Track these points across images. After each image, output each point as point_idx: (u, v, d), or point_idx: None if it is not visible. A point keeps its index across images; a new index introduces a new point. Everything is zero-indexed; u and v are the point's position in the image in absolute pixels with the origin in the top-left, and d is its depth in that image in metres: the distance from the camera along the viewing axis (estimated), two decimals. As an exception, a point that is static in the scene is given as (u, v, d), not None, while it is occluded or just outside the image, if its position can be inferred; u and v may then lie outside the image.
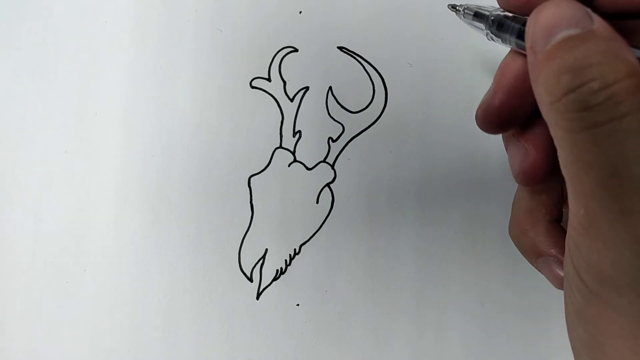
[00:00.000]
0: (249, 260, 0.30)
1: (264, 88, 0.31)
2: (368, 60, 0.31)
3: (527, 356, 0.29)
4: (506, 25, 0.21)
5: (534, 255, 0.22)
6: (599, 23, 0.17)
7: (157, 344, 0.30)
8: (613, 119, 0.15)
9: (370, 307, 0.30)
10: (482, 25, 0.23)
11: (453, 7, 0.25)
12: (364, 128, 0.31)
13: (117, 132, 0.32)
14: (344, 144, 0.31)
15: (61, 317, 0.31)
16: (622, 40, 0.17)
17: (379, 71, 0.31)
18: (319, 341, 0.30)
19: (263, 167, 0.31)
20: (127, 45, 0.32)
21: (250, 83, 0.31)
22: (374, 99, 0.31)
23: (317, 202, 0.30)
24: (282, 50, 0.31)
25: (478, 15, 0.23)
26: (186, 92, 0.31)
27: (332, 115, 0.31)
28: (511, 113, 0.21)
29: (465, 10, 0.24)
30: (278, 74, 0.31)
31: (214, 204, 0.31)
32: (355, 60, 0.31)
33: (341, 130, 0.31)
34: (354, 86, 0.31)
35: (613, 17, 0.19)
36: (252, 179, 0.31)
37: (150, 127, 0.31)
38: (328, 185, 0.30)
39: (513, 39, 0.21)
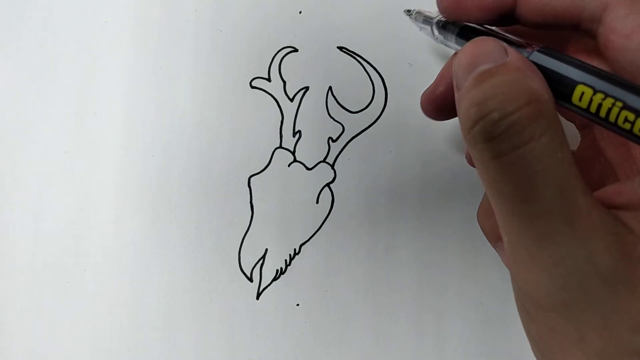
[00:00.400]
0: (249, 260, 0.30)
1: (264, 88, 0.31)
2: (368, 60, 0.31)
3: (527, 356, 0.29)
4: (448, 27, 0.23)
5: (494, 238, 0.23)
6: (512, 56, 0.17)
7: (157, 344, 0.30)
8: (517, 146, 0.16)
9: (370, 307, 0.30)
10: (429, 27, 0.25)
11: (407, 11, 0.28)
12: (364, 128, 0.31)
13: (117, 132, 0.32)
14: (344, 144, 0.31)
15: (61, 317, 0.31)
16: (533, 70, 0.17)
17: (379, 71, 0.31)
18: (319, 341, 0.30)
19: (263, 167, 0.31)
20: (127, 45, 0.32)
21: (250, 83, 0.31)
22: (374, 99, 0.31)
23: (317, 202, 0.30)
24: (282, 50, 0.31)
25: (426, 19, 0.25)
26: (186, 92, 0.31)
27: (332, 115, 0.31)
28: (448, 104, 0.23)
29: (416, 15, 0.26)
30: (278, 74, 0.31)
31: (214, 204, 0.31)
32: (355, 60, 0.31)
33: (341, 130, 0.31)
34: (354, 86, 0.31)
35: (539, 28, 0.20)
36: (252, 179, 0.31)
37: (150, 127, 0.31)
38: (328, 185, 0.30)
39: (453, 38, 0.22)
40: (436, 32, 0.24)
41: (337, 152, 0.31)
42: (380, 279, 0.30)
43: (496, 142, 0.16)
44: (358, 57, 0.31)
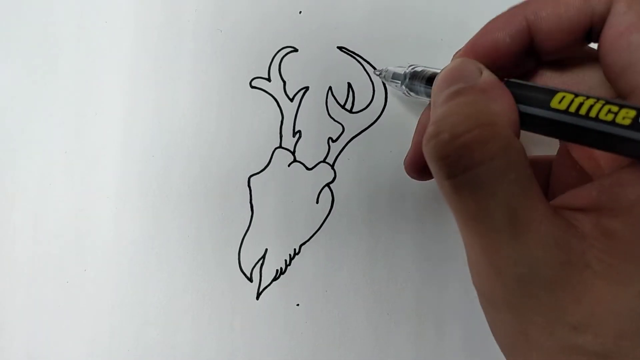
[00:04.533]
0: (249, 260, 0.30)
1: (263, 88, 0.31)
2: (368, 60, 0.31)
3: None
4: (417, 76, 0.24)
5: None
6: (485, 78, 0.18)
7: (157, 344, 0.30)
8: (467, 169, 0.16)
9: (370, 307, 0.30)
10: (399, 82, 0.26)
11: (377, 72, 0.29)
12: (364, 128, 0.31)
13: (117, 132, 0.32)
14: (344, 144, 0.31)
15: (61, 317, 0.31)
16: (501, 94, 0.18)
17: (379, 71, 0.31)
18: (319, 341, 0.30)
19: (263, 167, 0.31)
20: (127, 45, 0.32)
21: (250, 83, 0.31)
22: (374, 99, 0.31)
23: (317, 202, 0.30)
24: (282, 50, 0.31)
25: (396, 75, 0.26)
26: (186, 92, 0.31)
27: (332, 115, 0.31)
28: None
29: (386, 73, 0.27)
30: (278, 74, 0.31)
31: (214, 204, 0.31)
32: (355, 60, 0.31)
33: (341, 130, 0.31)
34: (354, 86, 0.31)
35: (556, 54, 0.20)
36: (252, 179, 0.31)
37: (150, 127, 0.31)
38: (328, 185, 0.30)
39: (422, 87, 0.23)
40: (404, 87, 0.25)
41: (337, 152, 0.31)
42: (380, 279, 0.30)
43: (446, 163, 0.17)
44: (358, 57, 0.31)
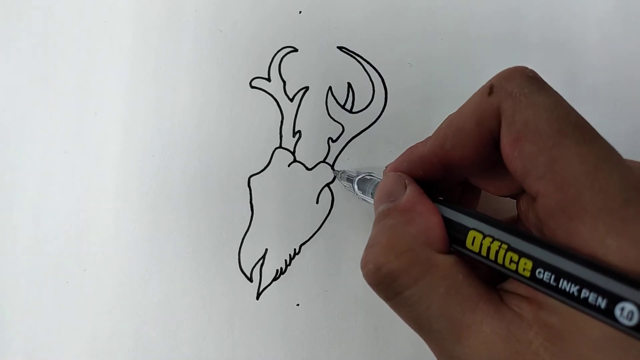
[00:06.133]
0: (249, 260, 0.30)
1: (263, 88, 0.31)
2: (368, 60, 0.31)
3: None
4: (367, 182, 0.26)
5: None
6: (407, 195, 0.20)
7: (157, 344, 0.30)
8: (397, 293, 0.18)
9: (370, 307, 0.30)
10: (350, 185, 0.28)
11: (335, 172, 0.30)
12: (363, 128, 0.31)
13: (117, 132, 0.32)
14: (344, 144, 0.31)
15: (61, 317, 0.31)
16: (421, 210, 0.19)
17: (379, 71, 0.31)
18: (319, 341, 0.30)
19: (263, 167, 0.31)
20: (127, 45, 0.32)
21: (250, 83, 0.31)
22: (374, 99, 0.31)
23: (317, 202, 0.30)
24: (282, 50, 0.31)
25: (349, 178, 0.28)
26: (186, 92, 0.31)
27: (331, 115, 0.31)
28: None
29: (342, 175, 0.29)
30: (278, 74, 0.31)
31: (214, 204, 0.31)
32: (355, 60, 0.31)
33: (341, 130, 0.31)
34: (354, 86, 0.31)
35: (472, 161, 0.20)
36: (252, 179, 0.31)
37: (150, 127, 0.31)
38: (328, 185, 0.30)
39: (371, 190, 0.25)
40: (356, 188, 0.27)
41: (337, 152, 0.31)
42: (380, 279, 0.30)
43: (379, 289, 0.19)
44: (358, 57, 0.31)
